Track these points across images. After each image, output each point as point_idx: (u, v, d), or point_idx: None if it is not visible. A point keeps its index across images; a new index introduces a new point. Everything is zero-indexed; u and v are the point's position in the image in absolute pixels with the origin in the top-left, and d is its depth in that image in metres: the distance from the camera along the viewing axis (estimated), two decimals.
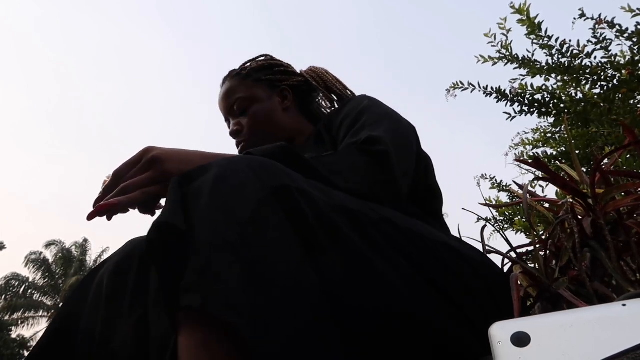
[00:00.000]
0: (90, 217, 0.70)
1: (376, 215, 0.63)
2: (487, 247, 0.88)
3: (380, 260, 0.59)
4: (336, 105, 1.12)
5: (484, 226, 0.96)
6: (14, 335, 20.25)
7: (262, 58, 1.15)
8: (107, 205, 0.69)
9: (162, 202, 0.75)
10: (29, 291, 22.12)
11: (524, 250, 0.90)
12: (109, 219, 0.73)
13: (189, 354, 0.46)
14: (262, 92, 1.08)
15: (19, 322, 21.20)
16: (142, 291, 0.72)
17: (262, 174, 0.56)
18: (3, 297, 21.35)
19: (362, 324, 0.54)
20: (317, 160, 0.72)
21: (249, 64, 1.13)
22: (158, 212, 0.75)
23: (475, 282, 0.68)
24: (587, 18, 2.24)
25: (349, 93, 1.11)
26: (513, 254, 0.87)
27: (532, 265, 0.82)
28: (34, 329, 21.27)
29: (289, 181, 0.57)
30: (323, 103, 1.16)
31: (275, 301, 0.47)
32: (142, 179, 0.70)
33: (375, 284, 0.57)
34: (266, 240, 0.50)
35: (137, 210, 0.75)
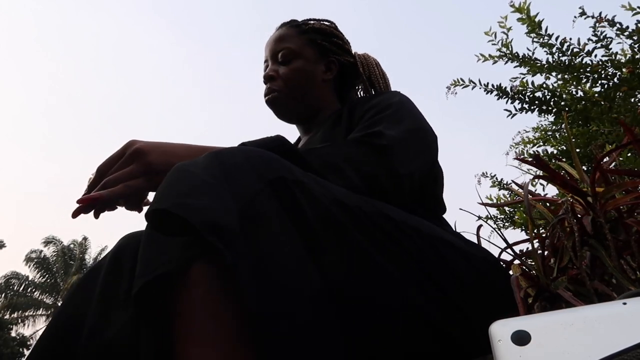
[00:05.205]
0: (75, 214, 0.68)
1: (372, 209, 0.62)
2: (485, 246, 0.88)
3: (380, 254, 0.58)
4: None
5: (480, 225, 0.96)
6: (13, 334, 20.26)
7: (327, 23, 1.13)
8: (88, 199, 0.67)
9: (151, 196, 0.73)
10: (29, 289, 22.13)
11: (522, 248, 0.90)
12: (96, 216, 0.71)
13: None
14: (311, 53, 1.06)
15: (19, 321, 21.21)
16: None
17: (259, 166, 0.55)
18: (3, 295, 21.35)
19: (363, 319, 0.54)
20: (311, 152, 0.71)
21: (312, 22, 1.11)
22: (145, 209, 0.74)
23: (470, 278, 0.67)
24: (588, 16, 2.23)
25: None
26: (510, 252, 0.87)
27: (531, 264, 0.82)
28: (33, 328, 21.32)
29: (286, 173, 0.56)
30: (360, 92, 1.14)
31: (276, 300, 0.46)
32: (124, 172, 0.68)
33: (375, 277, 0.56)
34: (262, 234, 0.49)
35: (124, 207, 0.73)
